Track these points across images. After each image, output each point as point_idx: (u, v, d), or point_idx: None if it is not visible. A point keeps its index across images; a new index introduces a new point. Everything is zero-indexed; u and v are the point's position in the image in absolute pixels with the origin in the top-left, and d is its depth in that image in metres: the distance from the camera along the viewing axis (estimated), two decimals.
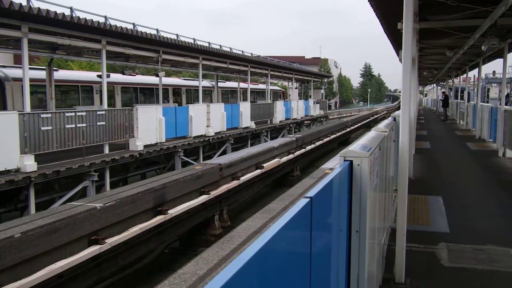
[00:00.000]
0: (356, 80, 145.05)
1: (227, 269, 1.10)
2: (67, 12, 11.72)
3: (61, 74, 18.72)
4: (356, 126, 37.52)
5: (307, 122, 35.36)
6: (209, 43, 19.80)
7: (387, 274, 5.07)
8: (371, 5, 9.40)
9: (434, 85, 55.75)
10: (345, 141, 30.07)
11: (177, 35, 17.18)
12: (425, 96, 77.14)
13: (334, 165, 8.22)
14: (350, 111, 73.02)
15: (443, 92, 35.97)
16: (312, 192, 1.82)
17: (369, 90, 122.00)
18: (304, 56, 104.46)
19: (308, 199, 1.72)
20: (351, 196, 2.75)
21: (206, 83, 30.11)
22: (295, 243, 1.69)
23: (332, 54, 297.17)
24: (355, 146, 2.99)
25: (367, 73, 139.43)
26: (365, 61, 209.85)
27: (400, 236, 4.90)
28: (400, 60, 5.41)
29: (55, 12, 10.95)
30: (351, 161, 2.73)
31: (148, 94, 24.24)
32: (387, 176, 5.16)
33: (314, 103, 37.85)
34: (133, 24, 14.77)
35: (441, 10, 9.64)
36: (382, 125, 5.67)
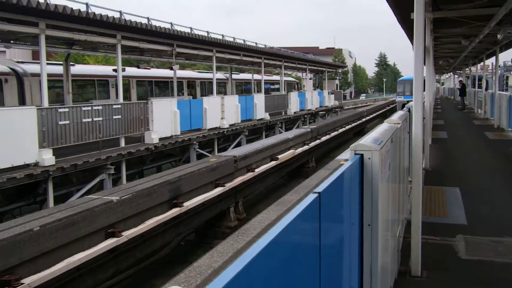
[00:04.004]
0: (371, 70, 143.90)
1: (235, 264, 1.13)
2: (83, 8, 11.86)
3: (77, 68, 18.92)
4: (371, 116, 37.28)
5: (322, 113, 35.18)
6: (222, 35, 19.82)
7: (403, 267, 5.03)
8: None
9: (451, 73, 54.89)
10: (361, 131, 29.91)
11: (191, 28, 17.23)
12: (442, 85, 76.01)
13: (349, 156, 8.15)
14: (365, 101, 72.46)
15: (460, 81, 35.45)
16: (320, 187, 1.83)
17: (385, 79, 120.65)
18: (318, 47, 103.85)
19: (316, 195, 1.73)
20: (362, 190, 2.75)
21: (220, 75, 30.13)
22: (303, 239, 1.71)
23: (346, 44, 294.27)
24: (366, 139, 2.99)
25: (382, 62, 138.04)
26: (380, 51, 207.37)
27: (416, 228, 4.84)
28: None
29: (71, 8, 11.09)
30: (362, 155, 2.73)
31: (163, 87, 24.37)
32: (401, 168, 5.12)
33: (328, 94, 37.62)
34: (147, 18, 14.85)
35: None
36: (395, 116, 5.63)
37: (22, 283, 5.83)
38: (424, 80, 15.13)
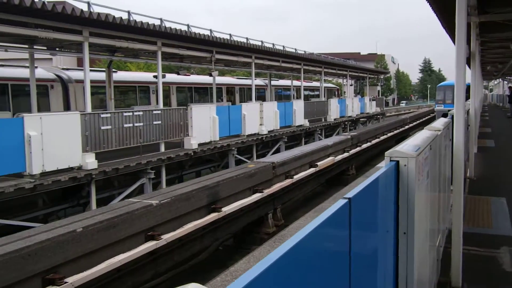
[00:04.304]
0: (415, 76, 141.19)
1: (253, 269, 1.12)
2: (124, 16, 12.14)
3: (119, 75, 19.45)
4: (414, 123, 36.46)
5: (362, 119, 34.70)
6: (261, 41, 19.87)
7: (442, 278, 4.88)
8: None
9: (500, 79, 52.81)
10: (403, 138, 29.23)
11: (230, 35, 17.36)
12: (491, 92, 73.37)
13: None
14: (408, 108, 71.02)
15: (510, 87, 34.06)
16: (351, 193, 1.80)
17: (429, 86, 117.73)
18: (359, 52, 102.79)
19: (346, 200, 1.70)
20: (398, 197, 2.69)
21: (259, 81, 30.25)
22: (330, 245, 1.68)
23: (389, 49, 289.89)
24: (403, 146, 2.92)
25: (426, 68, 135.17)
26: (425, 56, 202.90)
27: (456, 238, 4.69)
28: None
29: (114, 16, 11.36)
30: (398, 161, 2.67)
31: (202, 93, 24.70)
32: (442, 176, 4.97)
33: (370, 100, 37.07)
34: (187, 25, 15.08)
35: (502, 2, 9.16)
36: (437, 123, 5.48)
37: (66, 282, 6.01)
38: (469, 86, 14.76)
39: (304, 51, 25.50)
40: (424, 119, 41.58)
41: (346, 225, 1.74)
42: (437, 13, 10.36)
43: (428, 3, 9.28)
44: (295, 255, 1.33)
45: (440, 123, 5.69)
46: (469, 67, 14.45)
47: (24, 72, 14.65)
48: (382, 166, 2.70)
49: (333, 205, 1.64)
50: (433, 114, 44.80)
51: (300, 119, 22.93)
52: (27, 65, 13.92)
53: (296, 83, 31.86)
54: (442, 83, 41.59)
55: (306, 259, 1.44)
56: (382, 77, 50.82)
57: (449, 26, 12.17)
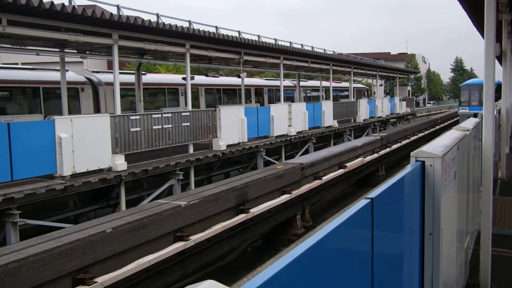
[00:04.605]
0: (446, 76, 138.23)
1: (272, 267, 1.11)
2: (153, 18, 12.28)
3: (149, 77, 19.69)
4: (446, 123, 35.74)
5: (392, 120, 34.18)
6: (290, 42, 19.80)
7: (471, 280, 4.78)
8: None
9: None
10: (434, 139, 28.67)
11: (258, 36, 17.36)
12: None
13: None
14: (440, 108, 69.65)
15: None
16: (374, 193, 1.76)
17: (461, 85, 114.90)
18: (389, 52, 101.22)
19: (368, 200, 1.67)
20: (424, 197, 2.62)
21: (287, 82, 30.16)
22: (352, 243, 1.65)
23: (420, 49, 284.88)
24: (429, 146, 2.86)
25: (458, 67, 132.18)
26: (456, 55, 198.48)
27: (485, 240, 4.60)
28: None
29: (142, 19, 11.49)
30: (424, 162, 2.61)
31: (231, 95, 24.79)
32: (471, 177, 4.84)
33: (400, 101, 36.50)
34: (216, 27, 15.13)
35: None
36: (466, 123, 5.34)
37: (95, 282, 6.11)
38: (500, 85, 14.36)
39: (333, 52, 25.28)
40: (455, 119, 40.69)
41: (368, 225, 1.70)
42: (466, 9, 10.13)
43: (458, 1, 9.08)
44: (314, 254, 1.31)
45: (469, 123, 5.56)
46: (501, 65, 14.11)
47: (55, 75, 14.96)
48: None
49: (355, 205, 1.62)
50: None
51: (329, 120, 22.74)
52: (58, 68, 14.23)
53: (325, 83, 31.64)
54: (466, 82, 35.62)
55: (326, 258, 1.42)
56: (412, 77, 49.98)
57: (479, 24, 11.89)
